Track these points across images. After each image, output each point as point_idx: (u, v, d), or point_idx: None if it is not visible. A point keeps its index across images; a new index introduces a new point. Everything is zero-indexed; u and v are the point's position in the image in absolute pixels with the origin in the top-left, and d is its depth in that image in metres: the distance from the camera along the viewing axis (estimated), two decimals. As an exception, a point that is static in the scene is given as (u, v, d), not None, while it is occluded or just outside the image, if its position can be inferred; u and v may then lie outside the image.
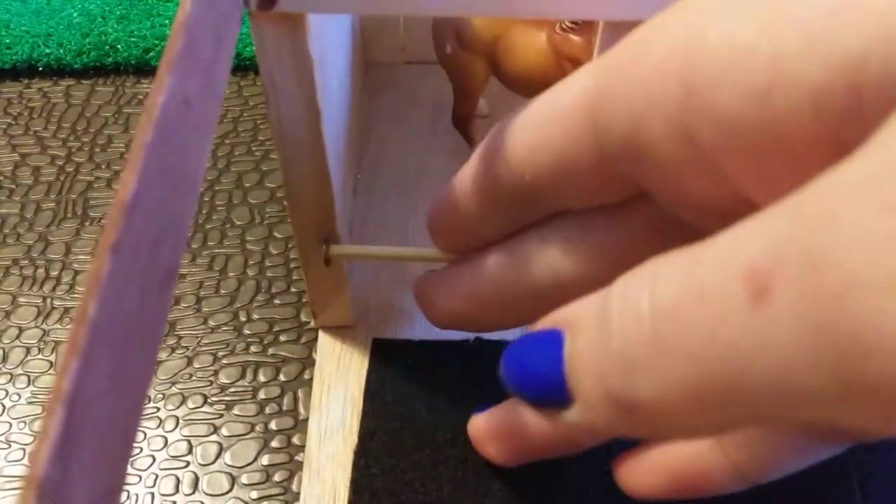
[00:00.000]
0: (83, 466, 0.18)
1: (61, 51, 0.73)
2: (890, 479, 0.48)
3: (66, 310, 0.57)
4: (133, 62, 0.73)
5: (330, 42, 0.49)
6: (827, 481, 0.48)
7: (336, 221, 0.45)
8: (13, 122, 0.69)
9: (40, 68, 0.73)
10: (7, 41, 0.74)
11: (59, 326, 0.56)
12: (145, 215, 0.22)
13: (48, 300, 0.57)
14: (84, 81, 0.73)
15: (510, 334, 0.51)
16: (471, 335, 0.53)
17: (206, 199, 0.63)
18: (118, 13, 0.77)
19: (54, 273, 0.59)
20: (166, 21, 0.76)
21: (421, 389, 0.51)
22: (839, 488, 0.48)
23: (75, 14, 0.76)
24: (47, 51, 0.73)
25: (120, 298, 0.21)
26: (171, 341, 0.55)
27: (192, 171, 0.27)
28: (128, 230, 0.21)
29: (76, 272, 0.59)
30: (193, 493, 0.48)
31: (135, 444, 0.47)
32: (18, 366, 0.54)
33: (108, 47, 0.74)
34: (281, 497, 0.48)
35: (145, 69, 0.74)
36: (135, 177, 0.22)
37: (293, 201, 0.44)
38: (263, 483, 0.49)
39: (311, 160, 0.42)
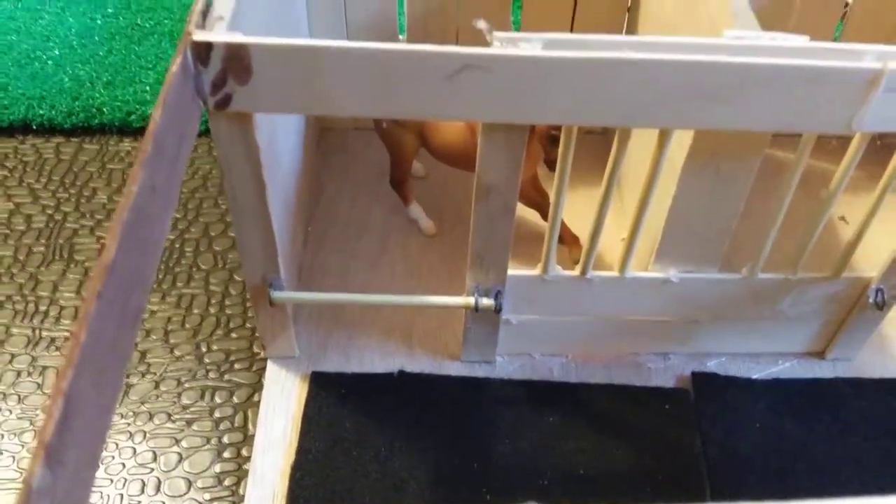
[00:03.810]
0: (75, 438, 0.28)
1: (53, 112, 0.83)
2: (736, 467, 0.58)
3: (53, 339, 0.66)
4: (117, 124, 0.83)
5: (281, 120, 0.59)
6: (679, 471, 0.58)
7: (280, 270, 0.55)
8: (9, 175, 0.79)
9: (34, 127, 0.83)
10: (5, 102, 0.84)
11: (47, 353, 0.65)
12: (120, 272, 0.32)
13: (37, 331, 0.67)
14: (73, 139, 0.83)
15: (429, 367, 0.62)
16: (395, 369, 0.63)
17: (176, 245, 0.73)
18: (104, 79, 0.87)
19: (43, 308, 0.68)
20: (147, 87, 0.86)
21: (351, 414, 0.60)
22: (691, 475, 0.57)
23: (66, 80, 0.87)
24: (40, 112, 0.83)
25: (101, 330, 0.31)
26: (142, 368, 0.64)
27: (157, 238, 0.37)
28: (107, 283, 0.31)
29: (62, 307, 0.68)
30: (156, 494, 0.58)
31: (108, 454, 0.57)
32: (10, 387, 0.63)
33: (94, 110, 0.84)
34: (229, 499, 0.58)
35: (127, 130, 0.84)
36: (114, 245, 0.32)
37: (243, 253, 0.54)
38: (215, 487, 0.58)
39: (257, 220, 0.52)
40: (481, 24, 0.44)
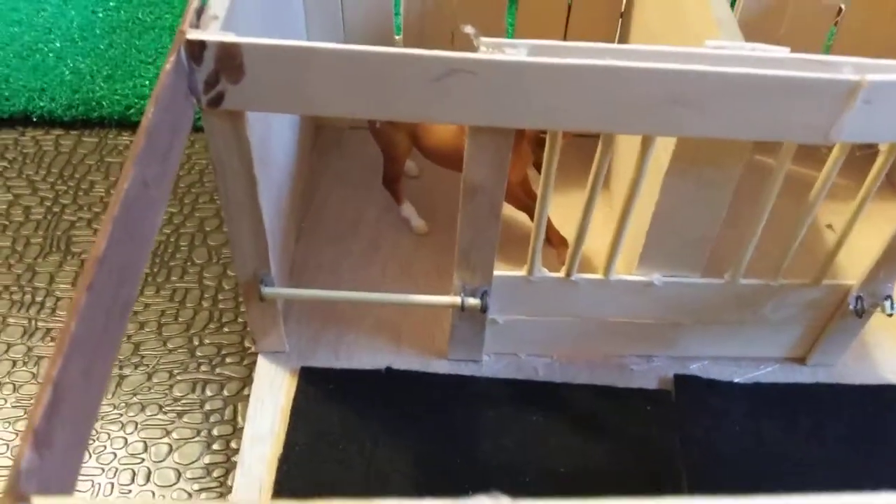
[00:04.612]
0: (62, 422, 0.29)
1: (53, 104, 0.85)
2: (715, 467, 0.59)
3: (48, 330, 0.67)
4: (116, 117, 0.84)
5: (276, 118, 0.60)
6: (659, 470, 0.59)
7: (271, 266, 0.56)
8: (8, 166, 0.80)
9: (34, 119, 0.84)
10: (6, 94, 0.85)
11: (42, 344, 0.66)
12: (111, 266, 0.33)
13: (33, 321, 0.68)
14: (72, 132, 0.84)
15: (417, 365, 0.63)
16: (383, 366, 0.64)
17: (171, 239, 0.74)
18: (105, 73, 0.88)
19: (39, 298, 0.69)
20: (146, 82, 0.87)
21: (338, 409, 0.61)
22: (670, 474, 0.59)
23: (67, 72, 0.88)
24: (41, 104, 0.85)
25: (92, 320, 0.32)
26: (135, 360, 0.66)
27: (148, 232, 0.38)
28: (98, 276, 0.32)
29: (58, 298, 0.69)
30: (146, 484, 0.59)
31: (100, 444, 0.58)
32: (6, 376, 0.64)
33: (94, 103, 0.85)
34: (217, 490, 0.59)
35: (126, 123, 0.85)
36: (104, 240, 0.33)
37: (234, 248, 0.55)
38: (204, 478, 0.59)
39: (249, 217, 0.53)
40: (468, 30, 0.45)
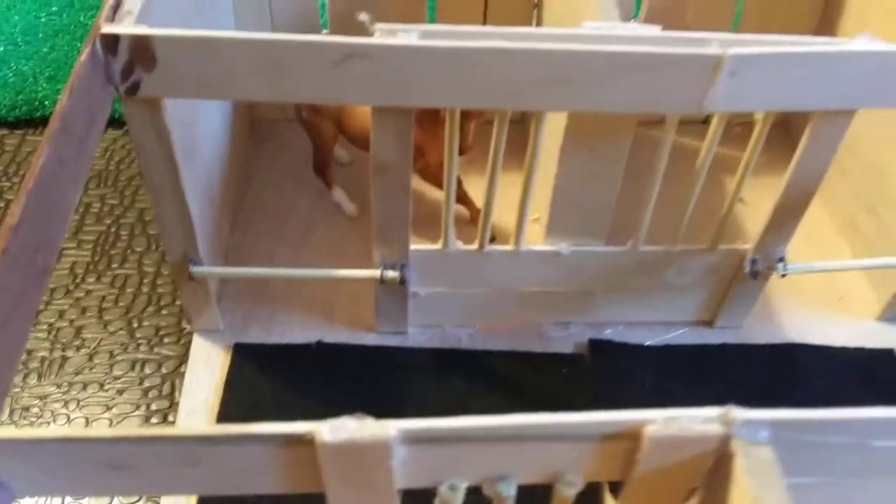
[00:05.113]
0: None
1: (-3, 105, 0.88)
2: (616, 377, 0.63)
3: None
4: (58, 116, 0.87)
5: (204, 109, 0.64)
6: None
7: (198, 247, 0.60)
8: (-46, 165, 0.83)
9: (-21, 120, 0.87)
10: (-49, 96, 0.88)
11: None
12: (26, 234, 0.37)
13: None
14: (16, 132, 0.87)
15: (347, 338, 0.66)
16: (314, 340, 0.68)
17: (112, 229, 0.77)
18: (47, 74, 0.91)
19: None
20: (88, 81, 0.90)
21: (269, 382, 0.65)
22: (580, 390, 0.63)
23: (10, 74, 0.91)
24: (-15, 105, 0.88)
25: (7, 282, 0.35)
26: (77, 342, 0.69)
27: (65, 206, 0.42)
28: (12, 241, 0.36)
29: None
30: (88, 457, 0.62)
31: (44, 421, 0.61)
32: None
33: (37, 103, 0.88)
34: (156, 460, 0.62)
35: (68, 122, 0.88)
36: (19, 209, 0.36)
37: (162, 230, 0.58)
38: (143, 449, 0.63)
39: (173, 199, 0.56)
40: (363, 17, 0.49)
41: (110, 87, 0.48)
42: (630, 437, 0.31)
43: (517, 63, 0.47)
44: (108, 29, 0.46)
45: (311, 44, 0.46)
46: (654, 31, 0.50)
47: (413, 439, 0.31)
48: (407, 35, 0.47)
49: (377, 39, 0.47)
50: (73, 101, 0.43)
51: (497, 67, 0.47)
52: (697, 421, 0.31)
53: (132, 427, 0.64)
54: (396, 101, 0.50)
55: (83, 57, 0.45)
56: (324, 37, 0.46)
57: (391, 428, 0.30)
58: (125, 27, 0.47)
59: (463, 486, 0.33)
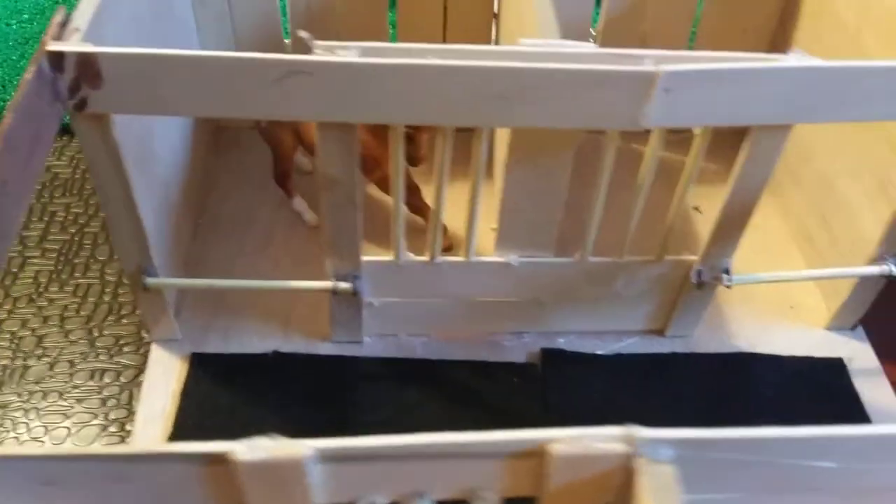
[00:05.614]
0: None
1: (-36, 115, 0.88)
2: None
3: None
4: (24, 125, 0.88)
5: (160, 120, 0.65)
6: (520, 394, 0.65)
7: (152, 259, 0.61)
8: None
9: (-54, 129, 0.88)
10: (-81, 106, 0.89)
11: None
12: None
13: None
14: (-18, 141, 0.88)
15: (303, 348, 0.67)
16: (271, 349, 0.69)
17: (76, 239, 0.78)
18: (16, 82, 0.92)
19: (-53, 298, 0.73)
20: (55, 91, 0.91)
21: (226, 390, 0.66)
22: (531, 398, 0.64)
23: (-22, 83, 0.92)
24: (-48, 114, 0.88)
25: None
26: (38, 351, 0.70)
27: (9, 223, 0.43)
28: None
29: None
30: (45, 465, 0.63)
31: (3, 430, 0.62)
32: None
33: (5, 112, 0.88)
34: (112, 468, 0.63)
35: (35, 131, 0.88)
36: (-46, 228, 0.37)
37: (116, 243, 0.59)
38: (99, 457, 0.63)
39: (126, 213, 0.57)
40: (303, 34, 0.50)
41: (58, 103, 0.49)
42: (537, 454, 0.32)
43: (455, 81, 0.48)
44: (53, 46, 0.47)
45: (252, 61, 0.47)
46: (590, 48, 0.51)
47: (328, 458, 0.32)
48: (346, 52, 0.48)
49: (317, 57, 0.48)
50: (18, 120, 0.44)
51: (435, 85, 0.48)
52: (600, 440, 0.32)
53: (90, 436, 0.65)
54: (339, 116, 0.51)
55: (29, 75, 0.46)
56: (264, 55, 0.47)
57: (306, 447, 0.31)
58: (71, 45, 0.48)
59: (381, 503, 0.34)
